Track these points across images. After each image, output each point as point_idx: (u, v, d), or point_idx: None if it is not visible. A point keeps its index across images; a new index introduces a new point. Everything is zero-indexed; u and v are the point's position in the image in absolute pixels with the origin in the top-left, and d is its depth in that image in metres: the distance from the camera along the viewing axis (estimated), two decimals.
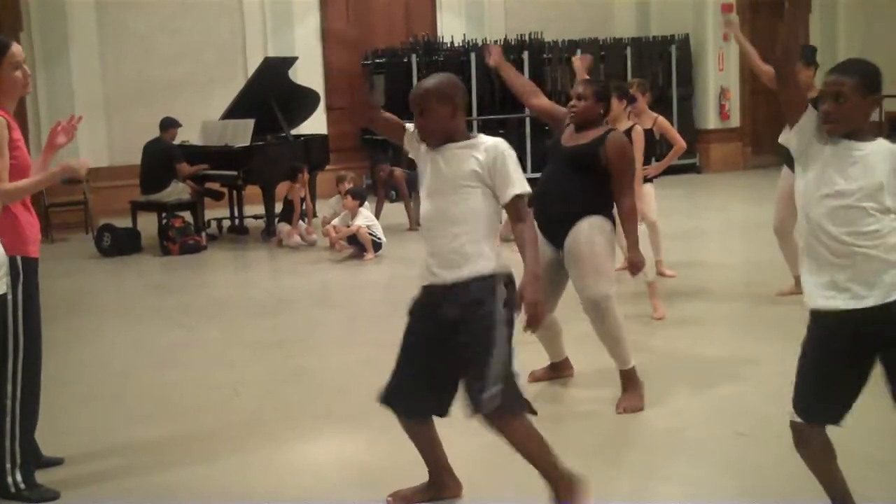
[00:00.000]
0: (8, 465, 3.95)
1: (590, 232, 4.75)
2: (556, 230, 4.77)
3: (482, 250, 3.45)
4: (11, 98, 4.02)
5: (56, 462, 4.35)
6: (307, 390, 5.54)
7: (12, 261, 3.84)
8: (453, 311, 3.44)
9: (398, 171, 11.45)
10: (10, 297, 3.84)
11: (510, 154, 3.48)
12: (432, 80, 3.58)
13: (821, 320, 3.14)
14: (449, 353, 3.48)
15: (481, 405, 3.37)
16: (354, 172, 11.77)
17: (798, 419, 3.24)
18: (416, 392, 3.61)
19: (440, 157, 3.53)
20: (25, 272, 3.92)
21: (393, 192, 11.91)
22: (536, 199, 4.63)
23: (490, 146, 3.47)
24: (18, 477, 3.96)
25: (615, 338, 4.86)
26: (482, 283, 3.44)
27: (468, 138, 3.53)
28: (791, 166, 6.68)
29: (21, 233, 3.94)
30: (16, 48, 3.98)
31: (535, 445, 3.49)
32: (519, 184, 3.44)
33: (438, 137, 3.53)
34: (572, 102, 4.90)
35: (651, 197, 7.25)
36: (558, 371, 5.36)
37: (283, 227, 10.53)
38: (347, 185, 10.13)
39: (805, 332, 3.22)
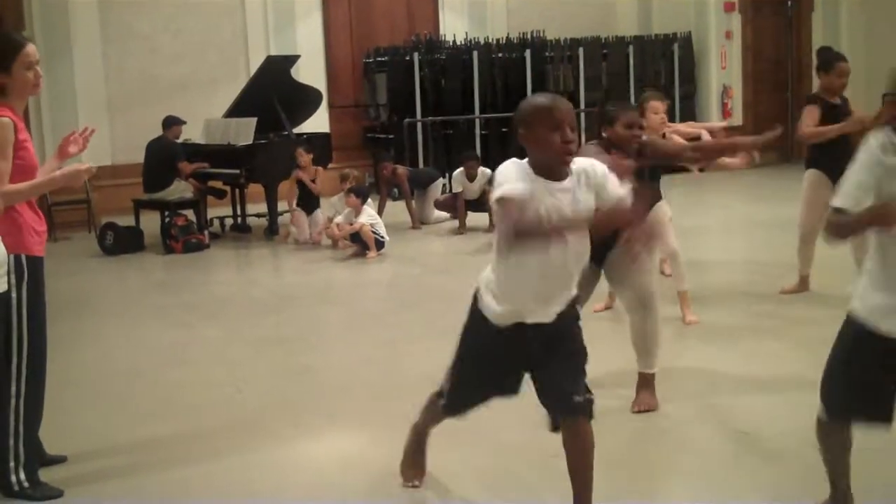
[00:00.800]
0: (12, 464, 3.95)
1: None
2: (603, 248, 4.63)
3: None
4: (21, 98, 4.01)
5: (59, 460, 4.36)
6: (310, 388, 5.54)
7: (17, 259, 3.85)
8: (551, 331, 3.37)
9: (401, 169, 11.46)
10: (14, 295, 3.84)
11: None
12: None
13: (875, 340, 3.04)
14: (543, 364, 3.40)
15: (585, 408, 3.36)
16: (358, 170, 11.78)
17: (827, 418, 3.17)
18: (481, 402, 3.62)
19: (571, 190, 3.26)
20: (30, 271, 3.93)
21: (395, 190, 11.92)
22: None
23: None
24: (22, 475, 3.97)
25: (654, 336, 4.82)
26: (573, 300, 3.43)
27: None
28: (820, 168, 6.69)
29: (25, 231, 3.94)
30: (31, 48, 3.96)
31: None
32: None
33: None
34: (636, 132, 4.68)
35: (668, 219, 6.54)
36: None
37: (301, 218, 10.56)
38: (350, 184, 10.14)
39: (840, 335, 3.16)
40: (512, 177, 3.16)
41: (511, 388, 3.52)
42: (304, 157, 10.51)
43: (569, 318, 3.41)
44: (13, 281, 3.83)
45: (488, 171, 10.52)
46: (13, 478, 3.95)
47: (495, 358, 3.45)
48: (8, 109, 3.91)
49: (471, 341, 3.50)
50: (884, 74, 3.13)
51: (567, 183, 3.23)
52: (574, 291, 3.41)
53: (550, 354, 3.38)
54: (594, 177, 3.29)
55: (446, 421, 3.77)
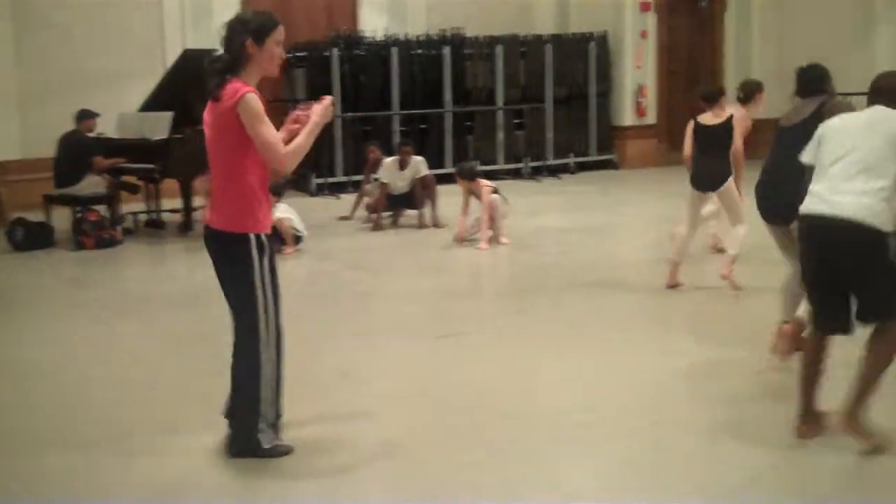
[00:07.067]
0: (261, 425, 4.26)
1: None
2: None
3: None
4: (258, 73, 4.24)
5: None
6: (227, 385, 5.48)
7: (257, 237, 4.18)
8: None
9: (381, 156, 11.31)
10: (258, 268, 4.16)
11: None
12: None
13: None
14: None
15: None
16: None
17: None
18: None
19: None
20: (269, 247, 4.23)
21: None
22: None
23: None
24: (269, 434, 4.28)
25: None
26: None
27: None
28: None
29: (261, 212, 4.22)
30: (282, 28, 4.20)
31: None
32: None
33: None
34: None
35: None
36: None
37: None
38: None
39: None
40: None
41: None
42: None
43: None
44: (255, 255, 4.16)
45: (421, 159, 10.59)
46: (262, 436, 4.26)
47: None
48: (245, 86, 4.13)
49: None
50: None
51: None
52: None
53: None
54: None
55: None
